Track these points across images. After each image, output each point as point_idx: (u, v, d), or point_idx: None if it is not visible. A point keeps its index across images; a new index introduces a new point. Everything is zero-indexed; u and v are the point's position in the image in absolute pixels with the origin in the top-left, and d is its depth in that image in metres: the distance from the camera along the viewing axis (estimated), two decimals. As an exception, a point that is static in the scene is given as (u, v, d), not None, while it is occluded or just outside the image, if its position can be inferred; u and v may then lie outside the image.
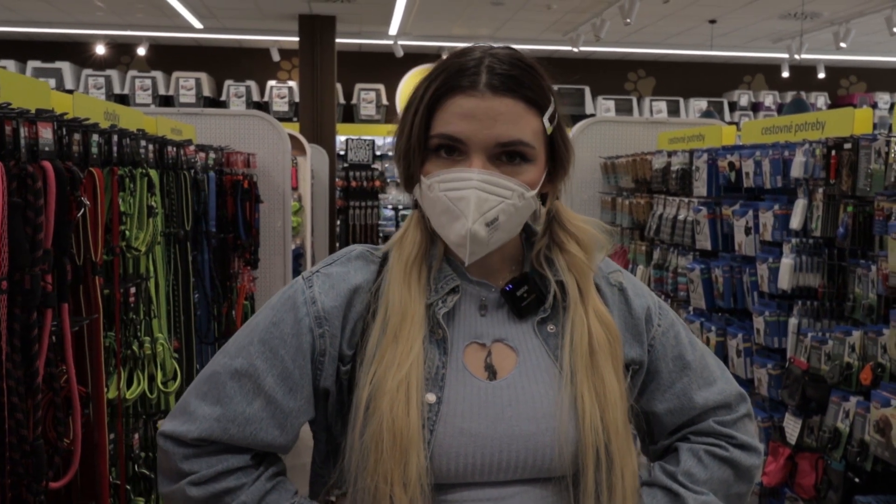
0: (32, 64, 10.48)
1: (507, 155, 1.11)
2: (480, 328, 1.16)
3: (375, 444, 1.06)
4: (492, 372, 1.14)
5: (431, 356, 1.12)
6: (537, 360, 1.15)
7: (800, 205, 2.97)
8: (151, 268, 2.77)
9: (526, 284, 1.18)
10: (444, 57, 1.16)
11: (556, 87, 1.17)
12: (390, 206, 11.37)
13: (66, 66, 10.51)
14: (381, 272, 1.17)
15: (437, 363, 1.12)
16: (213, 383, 1.13)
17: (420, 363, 1.09)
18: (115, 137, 2.45)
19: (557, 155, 1.17)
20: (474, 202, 1.08)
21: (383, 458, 1.05)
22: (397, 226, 11.27)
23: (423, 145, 1.12)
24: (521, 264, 1.22)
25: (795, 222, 2.97)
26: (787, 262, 2.98)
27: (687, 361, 1.23)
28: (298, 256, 6.57)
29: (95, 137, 2.27)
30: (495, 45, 1.15)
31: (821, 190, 2.87)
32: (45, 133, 1.86)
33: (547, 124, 1.13)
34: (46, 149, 1.86)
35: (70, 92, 2.88)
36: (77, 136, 2.14)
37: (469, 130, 1.09)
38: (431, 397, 1.10)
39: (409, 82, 11.46)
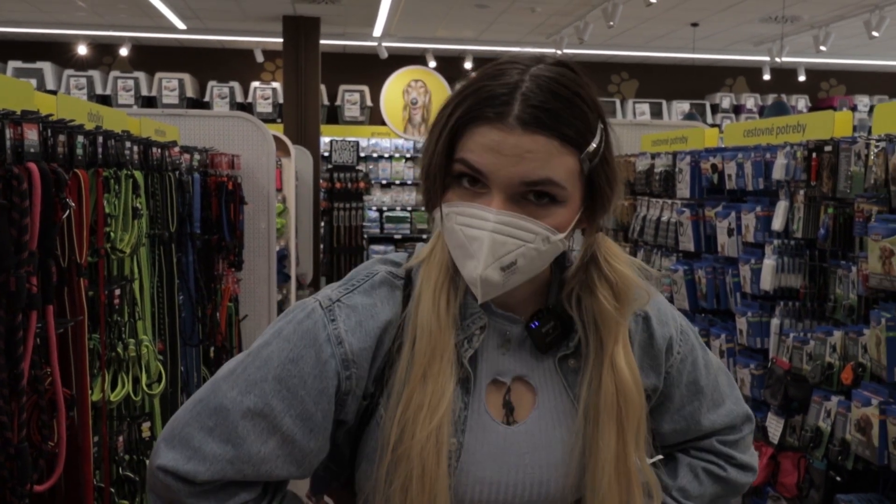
0: (13, 64, 10.39)
1: (535, 194, 1.00)
2: (502, 365, 1.11)
3: (404, 491, 1.03)
4: (510, 410, 1.10)
5: (455, 397, 1.07)
6: (556, 401, 1.11)
7: (781, 206, 3.00)
8: (136, 269, 2.75)
9: (552, 319, 1.11)
10: (476, 73, 1.04)
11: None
12: (374, 208, 11.36)
13: (47, 67, 10.42)
14: (405, 298, 1.10)
15: (460, 405, 1.07)
16: (222, 419, 1.04)
17: (450, 411, 1.04)
18: (100, 139, 2.44)
19: (597, 193, 1.05)
20: (488, 245, 0.99)
21: (410, 502, 1.03)
22: (381, 227, 11.29)
23: (444, 171, 1.03)
24: (548, 294, 1.14)
25: (777, 224, 3.00)
26: (769, 263, 3.00)
27: (700, 386, 1.21)
28: (283, 258, 6.55)
29: (80, 139, 2.25)
30: (545, 59, 1.03)
31: (802, 192, 2.90)
32: (31, 134, 1.85)
33: (585, 163, 1.01)
34: (32, 150, 1.85)
35: (52, 93, 2.87)
36: (62, 138, 2.12)
37: (492, 165, 0.98)
38: (454, 442, 1.06)
39: (394, 84, 11.45)
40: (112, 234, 2.50)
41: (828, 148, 2.76)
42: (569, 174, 1.00)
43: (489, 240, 0.99)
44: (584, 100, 1.01)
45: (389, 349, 1.07)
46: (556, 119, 0.98)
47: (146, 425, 2.74)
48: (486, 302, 1.09)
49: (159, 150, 3.07)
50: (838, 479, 2.63)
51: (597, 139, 1.01)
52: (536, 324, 1.10)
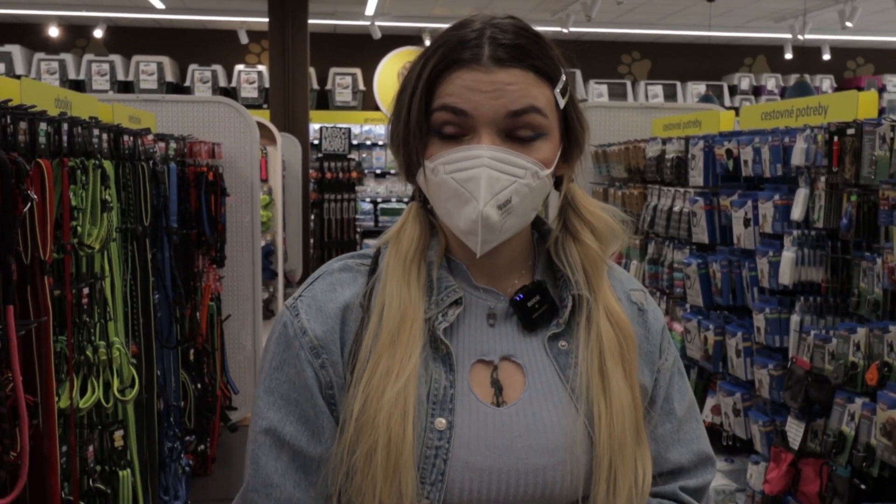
0: (-21, 48, 10.40)
1: (519, 132, 1.07)
2: (487, 343, 1.13)
3: (368, 460, 1.03)
4: (498, 390, 1.11)
5: (437, 375, 1.08)
6: (547, 382, 1.12)
7: (801, 194, 2.98)
8: (107, 266, 2.74)
9: (538, 294, 1.14)
10: (442, 30, 1.12)
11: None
12: (368, 199, 11.35)
13: (16, 50, 10.42)
14: (370, 282, 1.13)
15: (444, 383, 1.09)
16: (251, 454, 1.12)
17: (416, 375, 1.06)
18: (66, 126, 2.43)
19: (572, 131, 1.14)
20: (485, 181, 1.04)
21: (371, 476, 1.03)
22: (376, 220, 11.28)
23: (423, 127, 1.09)
24: (533, 268, 1.18)
25: (797, 213, 2.99)
26: (788, 255, 2.99)
27: (674, 407, 1.21)
28: (269, 253, 6.56)
29: (43, 126, 2.25)
30: (497, 15, 1.11)
31: (823, 178, 2.89)
32: (-14, 121, 1.84)
33: (559, 97, 1.10)
34: (-12, 138, 1.85)
35: (19, 77, 2.86)
36: (23, 125, 2.12)
37: (475, 102, 1.06)
38: (442, 422, 1.07)
39: (388, 66, 11.44)
40: (79, 228, 2.49)
41: (850, 131, 2.75)
42: (548, 105, 1.09)
43: (486, 175, 1.05)
44: (545, 41, 1.11)
45: (357, 331, 1.10)
46: (526, 54, 1.08)
47: (119, 434, 2.73)
48: (466, 276, 1.14)
49: (131, 139, 3.07)
50: (863, 486, 2.63)
51: (564, 78, 1.12)
52: (521, 297, 1.14)
